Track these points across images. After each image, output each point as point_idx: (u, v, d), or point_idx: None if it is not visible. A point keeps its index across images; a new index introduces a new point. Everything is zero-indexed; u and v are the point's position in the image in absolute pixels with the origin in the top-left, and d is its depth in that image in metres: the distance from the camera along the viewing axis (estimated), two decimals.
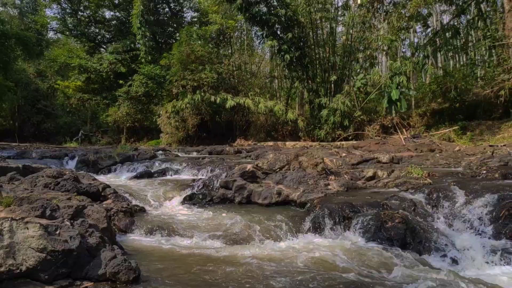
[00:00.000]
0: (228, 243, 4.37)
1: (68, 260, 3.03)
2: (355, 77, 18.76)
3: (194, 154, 13.66)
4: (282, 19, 17.72)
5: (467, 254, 4.23)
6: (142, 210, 5.69)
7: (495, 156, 8.76)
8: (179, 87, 21.69)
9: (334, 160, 8.96)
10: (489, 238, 4.51)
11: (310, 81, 19.15)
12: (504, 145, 11.12)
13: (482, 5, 16.77)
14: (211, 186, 6.88)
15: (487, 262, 4.17)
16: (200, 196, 6.36)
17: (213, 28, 23.81)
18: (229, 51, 26.72)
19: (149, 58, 26.08)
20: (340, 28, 22.31)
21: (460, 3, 16.76)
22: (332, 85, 18.89)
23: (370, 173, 7.19)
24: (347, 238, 4.58)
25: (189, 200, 6.29)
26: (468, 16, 18.66)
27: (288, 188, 6.24)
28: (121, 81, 26.22)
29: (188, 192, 6.63)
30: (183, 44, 21.52)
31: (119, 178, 8.97)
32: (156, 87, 24.95)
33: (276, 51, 19.42)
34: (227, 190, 6.39)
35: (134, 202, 5.92)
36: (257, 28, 20.89)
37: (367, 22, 18.16)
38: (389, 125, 17.37)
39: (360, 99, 18.16)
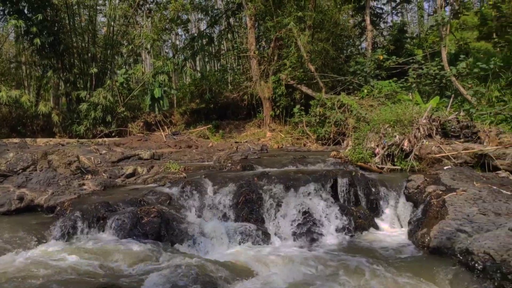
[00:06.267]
0: None
1: None
2: (118, 72, 18.18)
3: None
4: None
5: (213, 238, 4.77)
6: None
7: (239, 150, 10.27)
8: None
9: (92, 158, 8.42)
10: (231, 221, 5.24)
11: (67, 72, 17.31)
12: (246, 142, 13.19)
13: (231, 20, 19.31)
14: None
15: (230, 243, 4.81)
16: None
17: None
18: None
19: None
20: (102, 18, 21.14)
21: (214, 15, 18.78)
22: (93, 77, 17.68)
23: (130, 170, 7.12)
24: (101, 239, 4.37)
25: None
26: (221, 27, 21.16)
27: (34, 191, 5.44)
28: None
29: None
30: None
31: None
32: None
33: (23, 33, 16.56)
34: None
35: None
36: None
37: (130, 17, 17.91)
38: (153, 122, 17.71)
39: (123, 94, 17.75)
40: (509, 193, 5.02)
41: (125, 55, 18.92)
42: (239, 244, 4.78)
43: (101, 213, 4.68)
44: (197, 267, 3.64)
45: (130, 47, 17.80)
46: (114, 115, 16.64)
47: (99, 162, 8.29)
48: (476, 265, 3.51)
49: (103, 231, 4.55)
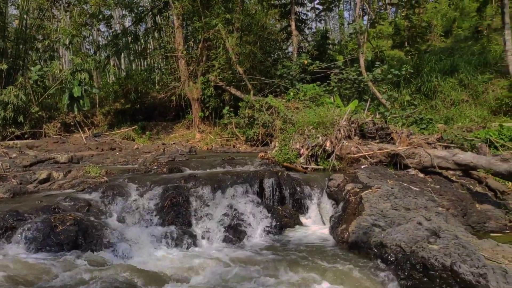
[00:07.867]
0: None
1: None
2: (32, 68, 16.70)
3: None
4: None
5: (137, 244, 4.57)
6: None
7: (166, 152, 10.00)
8: None
9: (0, 162, 7.63)
10: (156, 226, 5.06)
11: None
12: (174, 143, 12.88)
13: (157, 18, 18.73)
14: None
15: (155, 248, 4.65)
16: None
17: None
18: None
19: None
20: (14, 11, 19.25)
21: (139, 12, 18.07)
22: (3, 74, 16.03)
23: (44, 175, 6.56)
24: (9, 252, 3.97)
25: None
26: (147, 25, 20.41)
27: None
28: None
29: None
30: None
31: None
32: None
33: None
34: None
35: None
36: None
37: (46, 10, 16.55)
38: (72, 123, 16.55)
39: (38, 93, 16.33)
40: (417, 189, 5.51)
41: (40, 51, 17.44)
42: (165, 248, 4.65)
43: (8, 222, 4.25)
44: (116, 275, 3.46)
45: (46, 42, 16.44)
46: (27, 115, 15.27)
47: (8, 167, 7.53)
48: (389, 257, 3.78)
49: (10, 242, 4.14)
